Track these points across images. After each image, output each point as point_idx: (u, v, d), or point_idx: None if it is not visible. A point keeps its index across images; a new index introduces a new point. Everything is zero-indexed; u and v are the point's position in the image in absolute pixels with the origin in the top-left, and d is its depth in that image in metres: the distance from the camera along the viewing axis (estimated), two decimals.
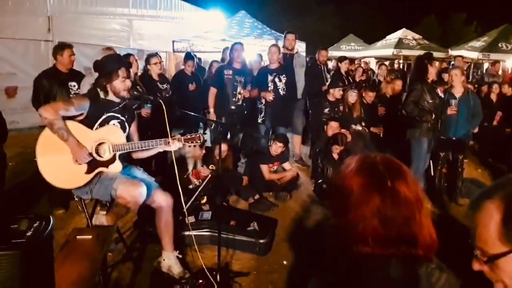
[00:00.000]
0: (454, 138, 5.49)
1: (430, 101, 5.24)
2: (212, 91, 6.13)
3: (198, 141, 3.53)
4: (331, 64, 10.27)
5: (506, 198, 0.96)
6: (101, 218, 3.37)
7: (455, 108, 5.30)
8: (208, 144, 5.76)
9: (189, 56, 8.25)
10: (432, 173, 5.76)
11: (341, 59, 8.38)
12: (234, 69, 6.09)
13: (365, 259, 1.13)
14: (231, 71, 6.07)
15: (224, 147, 5.23)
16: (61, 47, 5.06)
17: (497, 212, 0.96)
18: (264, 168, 5.78)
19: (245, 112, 6.31)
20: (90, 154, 3.19)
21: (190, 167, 5.16)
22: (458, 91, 5.45)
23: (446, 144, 5.55)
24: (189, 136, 3.52)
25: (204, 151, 5.32)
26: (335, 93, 6.79)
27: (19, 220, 1.54)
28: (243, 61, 6.40)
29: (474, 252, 1.01)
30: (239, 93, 6.04)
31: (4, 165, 4.53)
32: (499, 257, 0.96)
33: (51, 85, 4.84)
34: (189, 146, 3.66)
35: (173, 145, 3.41)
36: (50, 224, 1.54)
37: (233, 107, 6.06)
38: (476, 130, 5.83)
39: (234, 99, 6.08)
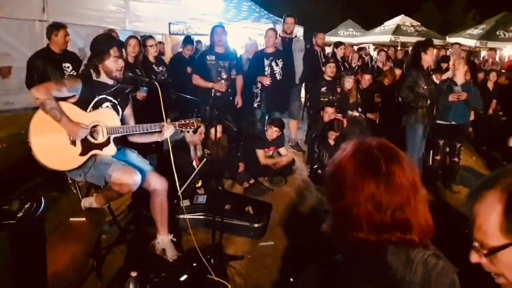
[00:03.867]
0: (453, 123, 5.47)
1: (425, 87, 5.23)
2: (195, 78, 5.84)
3: (192, 127, 3.50)
4: (328, 50, 10.17)
5: (508, 189, 0.93)
6: (90, 199, 3.38)
7: (458, 94, 5.29)
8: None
9: (188, 40, 8.17)
10: (431, 162, 5.78)
11: (337, 44, 8.30)
12: (216, 54, 5.76)
13: (360, 245, 1.12)
14: (213, 56, 5.75)
15: (219, 130, 5.21)
16: (56, 27, 4.98)
17: (499, 203, 0.93)
18: (260, 152, 5.77)
19: (230, 98, 6.02)
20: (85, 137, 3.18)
21: (193, 154, 5.11)
22: (460, 80, 5.45)
23: (444, 131, 5.54)
24: (183, 122, 3.49)
25: (202, 136, 5.25)
26: (327, 69, 6.73)
27: (10, 201, 1.52)
28: (226, 45, 5.98)
29: (473, 244, 0.99)
30: (224, 79, 5.71)
31: None
32: (499, 250, 0.94)
33: (45, 66, 4.79)
34: (182, 132, 3.62)
35: (166, 132, 3.39)
36: (42, 206, 1.52)
37: (218, 94, 5.71)
38: (472, 117, 5.82)
39: None
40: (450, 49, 10.35)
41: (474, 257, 0.99)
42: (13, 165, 5.32)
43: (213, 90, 5.70)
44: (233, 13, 11.24)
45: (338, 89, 6.84)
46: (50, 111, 2.99)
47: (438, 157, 5.64)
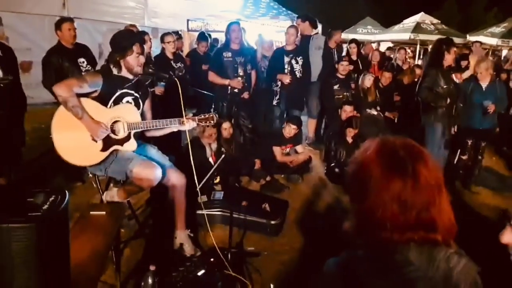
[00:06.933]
0: (480, 128, 5.44)
1: (445, 86, 5.14)
2: (211, 75, 5.87)
3: (212, 121, 3.54)
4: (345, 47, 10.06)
5: None
6: (112, 193, 3.41)
7: (489, 109, 5.24)
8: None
9: (203, 37, 8.15)
10: (456, 161, 5.70)
11: (350, 42, 8.20)
12: (233, 51, 5.78)
13: (383, 244, 1.12)
14: (230, 53, 5.77)
15: (228, 126, 5.25)
16: (59, 21, 5.00)
17: None
18: (277, 150, 5.77)
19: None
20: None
21: (208, 149, 5.11)
22: (484, 81, 5.38)
23: (472, 133, 5.50)
24: (202, 116, 3.52)
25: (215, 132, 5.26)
26: (339, 67, 6.68)
27: (35, 194, 1.55)
28: (242, 41, 6.00)
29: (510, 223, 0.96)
30: (240, 76, 5.76)
31: (22, 142, 4.58)
32: None
33: (60, 62, 4.80)
34: (202, 126, 3.65)
35: (187, 125, 3.41)
36: (66, 198, 1.55)
37: (235, 90, 5.76)
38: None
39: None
40: (472, 47, 10.17)
41: (509, 236, 0.96)
42: (34, 159, 5.42)
43: (229, 87, 5.73)
44: (251, 10, 11.26)
45: (353, 85, 6.77)
46: (72, 108, 3.02)
47: (464, 157, 5.58)
